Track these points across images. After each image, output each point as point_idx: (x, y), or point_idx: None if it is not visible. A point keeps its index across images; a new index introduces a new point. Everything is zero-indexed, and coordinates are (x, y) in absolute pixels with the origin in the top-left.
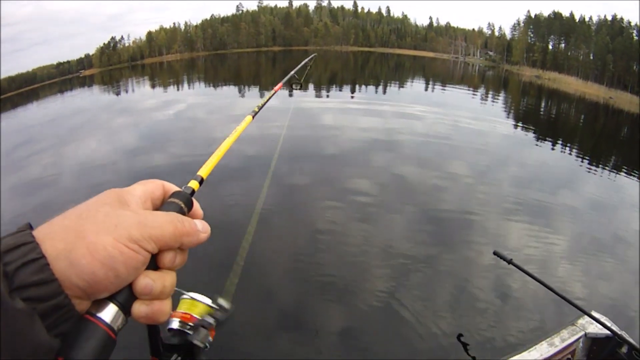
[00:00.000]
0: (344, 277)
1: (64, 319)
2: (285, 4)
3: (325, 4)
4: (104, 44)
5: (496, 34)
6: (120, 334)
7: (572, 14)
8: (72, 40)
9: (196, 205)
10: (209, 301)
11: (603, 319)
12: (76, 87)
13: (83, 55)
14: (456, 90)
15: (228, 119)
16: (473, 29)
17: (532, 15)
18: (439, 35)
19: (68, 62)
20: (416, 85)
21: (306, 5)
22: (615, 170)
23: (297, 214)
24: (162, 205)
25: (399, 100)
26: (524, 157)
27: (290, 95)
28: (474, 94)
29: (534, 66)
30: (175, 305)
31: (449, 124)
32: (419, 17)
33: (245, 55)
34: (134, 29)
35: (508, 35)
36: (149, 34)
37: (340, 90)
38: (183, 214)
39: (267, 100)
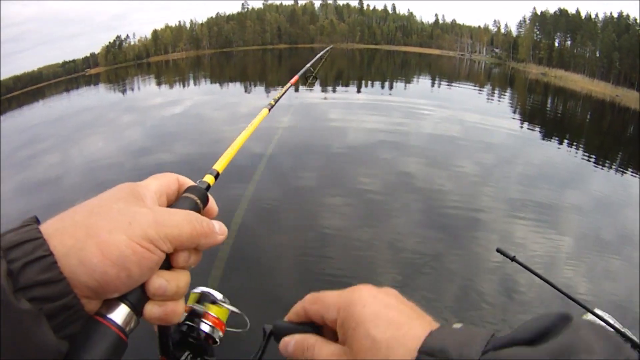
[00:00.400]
0: (348, 273)
1: (72, 319)
2: (290, 1)
3: (330, 1)
4: (110, 42)
5: (502, 31)
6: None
7: (578, 11)
8: (77, 40)
9: (211, 201)
10: (220, 295)
11: (606, 316)
12: (82, 85)
13: (89, 54)
14: (462, 87)
15: (234, 116)
16: (479, 26)
17: (538, 13)
18: (444, 32)
19: (74, 61)
20: (422, 83)
21: (312, 3)
22: (621, 169)
23: (300, 210)
24: (176, 200)
25: (405, 97)
26: (530, 155)
27: (296, 90)
28: (480, 92)
29: (540, 64)
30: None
31: (455, 122)
32: (425, 14)
33: (251, 53)
34: (139, 27)
35: (514, 33)
36: (155, 32)
37: (346, 88)
38: (198, 210)
39: (284, 93)
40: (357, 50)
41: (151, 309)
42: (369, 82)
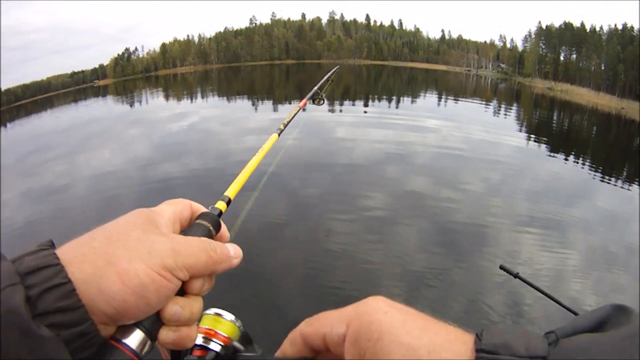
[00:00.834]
0: (352, 290)
1: (89, 344)
2: (298, 17)
3: (338, 17)
4: (118, 54)
5: (508, 46)
6: None
7: (582, 24)
8: (86, 51)
9: (224, 228)
10: (232, 317)
11: None
12: (90, 96)
13: (97, 66)
14: (469, 103)
15: (242, 131)
16: (485, 41)
17: (544, 27)
18: (451, 48)
19: (82, 71)
20: (429, 99)
21: (319, 19)
22: (628, 182)
23: (306, 225)
24: (189, 226)
25: (412, 113)
26: (537, 170)
27: (304, 110)
28: (486, 107)
29: (546, 78)
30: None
31: (461, 137)
32: (431, 30)
33: (259, 68)
34: (148, 40)
35: (520, 47)
36: (163, 45)
37: (353, 104)
38: (211, 236)
39: (293, 117)
40: (364, 66)
41: (166, 334)
42: (376, 98)
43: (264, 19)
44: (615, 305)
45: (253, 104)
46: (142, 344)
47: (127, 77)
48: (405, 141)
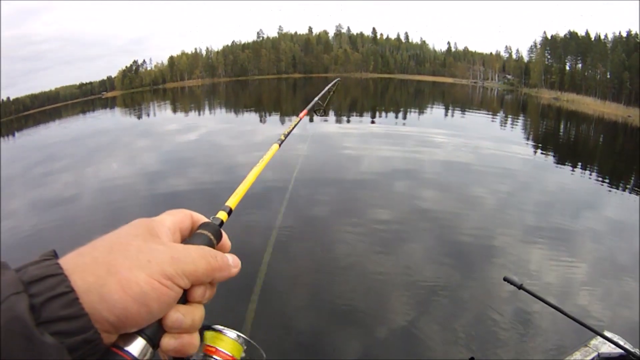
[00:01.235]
0: (361, 302)
1: (92, 352)
2: (305, 30)
3: (344, 30)
4: (126, 66)
5: (514, 57)
6: None
7: (587, 33)
8: (96, 62)
9: (225, 237)
10: (234, 334)
11: (616, 338)
12: (98, 108)
13: (105, 77)
14: (476, 115)
15: (249, 145)
16: (491, 53)
17: (549, 36)
18: (457, 60)
19: (90, 83)
20: (436, 111)
21: (326, 32)
22: (636, 190)
23: (315, 239)
24: (190, 236)
25: (420, 126)
26: (544, 181)
27: (311, 120)
28: (493, 119)
29: (552, 88)
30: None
31: (468, 150)
32: (437, 43)
33: (266, 82)
34: (156, 53)
35: (525, 58)
36: (171, 58)
37: (360, 117)
38: (212, 246)
39: (293, 128)
40: (371, 80)
41: (168, 342)
42: (383, 112)
43: (271, 32)
44: None
45: (260, 118)
46: (144, 351)
47: (134, 89)
48: (412, 154)
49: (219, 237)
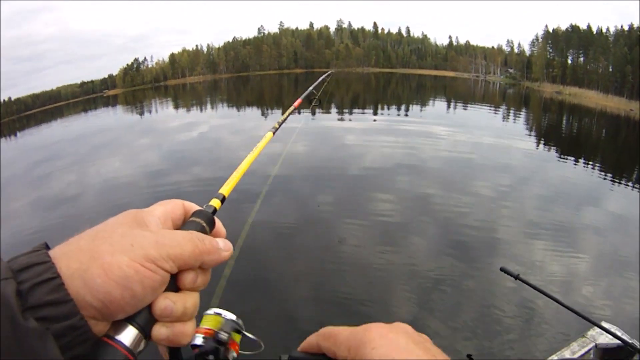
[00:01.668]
0: (362, 296)
1: (80, 340)
2: (306, 25)
3: (345, 25)
4: (128, 64)
5: (515, 50)
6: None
7: (589, 27)
8: (96, 61)
9: (219, 224)
10: (233, 317)
11: (613, 328)
12: (100, 106)
13: (107, 76)
14: (478, 109)
15: (251, 140)
16: (492, 47)
17: (550, 30)
18: (459, 54)
19: (92, 81)
20: (438, 105)
21: (327, 27)
22: (639, 184)
23: (316, 232)
24: (183, 225)
25: (422, 120)
26: (547, 175)
27: (313, 114)
28: (495, 113)
29: (554, 82)
30: (198, 322)
31: (471, 143)
32: (439, 37)
33: (268, 77)
34: (157, 50)
35: (527, 52)
36: (172, 55)
37: (363, 112)
38: (205, 233)
39: (287, 117)
40: (373, 74)
41: (159, 330)
42: (385, 106)
43: (272, 28)
44: None
45: (262, 113)
46: (136, 341)
47: (136, 87)
48: (415, 148)
49: (211, 224)
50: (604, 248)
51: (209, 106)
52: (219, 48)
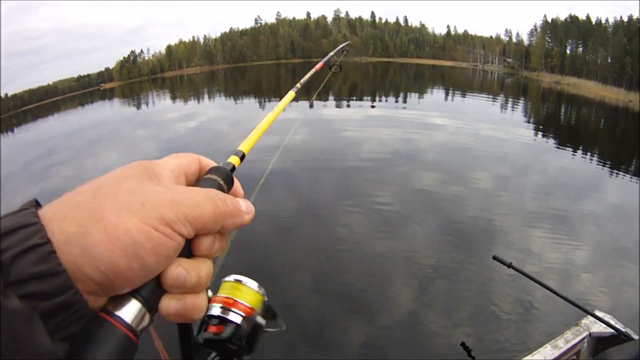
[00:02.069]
0: (361, 285)
1: (74, 319)
2: (303, 15)
3: (343, 15)
4: (124, 57)
5: (514, 40)
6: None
7: (588, 17)
8: (93, 54)
9: (237, 184)
10: (255, 284)
11: (607, 317)
12: (97, 100)
13: (103, 69)
14: (476, 98)
15: (249, 131)
16: (491, 36)
17: (549, 20)
18: (457, 43)
19: (88, 75)
20: (436, 95)
21: (324, 17)
22: (637, 175)
23: (315, 221)
24: (197, 182)
25: (420, 109)
26: (545, 164)
27: (311, 107)
28: (493, 102)
29: (553, 72)
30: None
31: (469, 133)
32: (437, 26)
33: (265, 68)
34: (154, 42)
35: (526, 42)
36: (169, 47)
37: (360, 101)
38: (222, 191)
39: (308, 77)
40: (371, 64)
41: (168, 304)
42: (383, 95)
43: (269, 18)
44: None
45: (260, 104)
46: (139, 316)
47: (133, 79)
48: (413, 137)
49: (230, 182)
50: (601, 238)
51: (206, 97)
52: (215, 39)
